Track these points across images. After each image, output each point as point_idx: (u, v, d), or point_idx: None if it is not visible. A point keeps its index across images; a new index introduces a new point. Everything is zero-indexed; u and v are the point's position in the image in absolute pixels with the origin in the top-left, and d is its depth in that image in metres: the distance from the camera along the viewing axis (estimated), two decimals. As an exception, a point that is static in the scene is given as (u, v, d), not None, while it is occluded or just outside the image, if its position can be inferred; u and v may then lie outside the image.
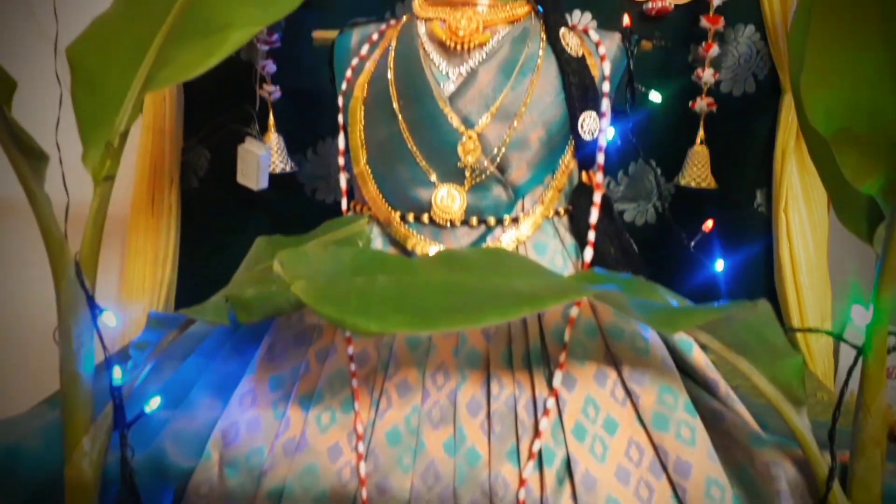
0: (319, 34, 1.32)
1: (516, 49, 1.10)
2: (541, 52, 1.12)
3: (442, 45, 1.11)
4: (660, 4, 1.47)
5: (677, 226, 1.29)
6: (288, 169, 1.57)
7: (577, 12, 1.52)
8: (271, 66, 1.52)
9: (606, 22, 1.51)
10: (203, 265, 1.63)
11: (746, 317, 0.77)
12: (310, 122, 1.59)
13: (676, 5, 1.49)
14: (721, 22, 1.46)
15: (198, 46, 0.91)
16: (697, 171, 1.52)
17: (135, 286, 1.55)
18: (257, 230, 1.65)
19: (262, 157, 1.48)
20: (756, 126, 1.56)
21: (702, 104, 1.50)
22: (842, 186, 0.88)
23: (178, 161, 1.58)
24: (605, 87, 1.15)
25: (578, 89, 1.10)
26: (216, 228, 1.65)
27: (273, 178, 1.54)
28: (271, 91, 1.53)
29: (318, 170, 1.64)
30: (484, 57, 1.09)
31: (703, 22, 1.46)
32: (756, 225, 1.61)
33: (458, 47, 1.09)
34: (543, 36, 1.14)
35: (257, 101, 1.52)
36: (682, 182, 1.53)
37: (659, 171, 1.60)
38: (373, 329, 0.53)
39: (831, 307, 1.56)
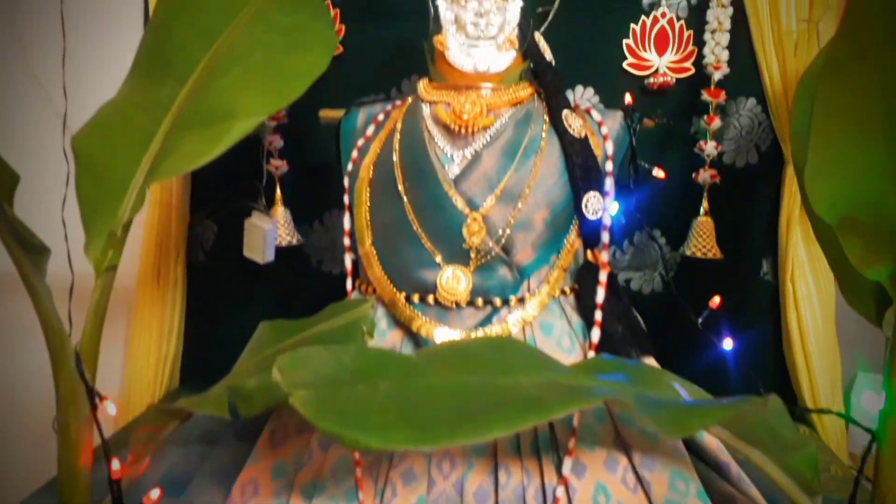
0: (326, 114, 1.34)
1: (520, 131, 1.11)
2: (544, 134, 1.13)
3: (446, 129, 1.12)
4: (661, 80, 1.49)
5: (684, 298, 1.29)
6: (294, 242, 1.57)
7: (579, 87, 1.54)
8: (278, 142, 1.54)
9: (608, 97, 1.54)
10: (208, 339, 1.62)
11: (758, 412, 0.76)
12: (316, 194, 1.60)
13: (678, 79, 1.51)
14: (722, 95, 1.48)
15: (203, 135, 0.93)
16: (703, 241, 1.51)
17: (139, 361, 1.54)
18: (263, 303, 1.67)
19: (269, 232, 1.48)
20: (760, 196, 1.56)
21: (705, 176, 1.50)
22: (848, 270, 0.87)
23: (184, 235, 1.59)
24: (609, 166, 1.16)
25: (582, 170, 1.11)
26: (222, 302, 1.65)
27: (279, 250, 1.54)
28: (278, 165, 1.55)
29: (325, 241, 1.65)
30: (488, 140, 1.11)
31: (705, 95, 1.48)
32: (763, 294, 1.59)
33: (463, 130, 1.11)
34: (546, 118, 1.15)
35: (264, 175, 1.53)
36: (688, 252, 1.52)
37: (664, 240, 1.59)
38: (373, 445, 0.52)
39: (841, 375, 1.54)
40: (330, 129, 1.34)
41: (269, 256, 1.51)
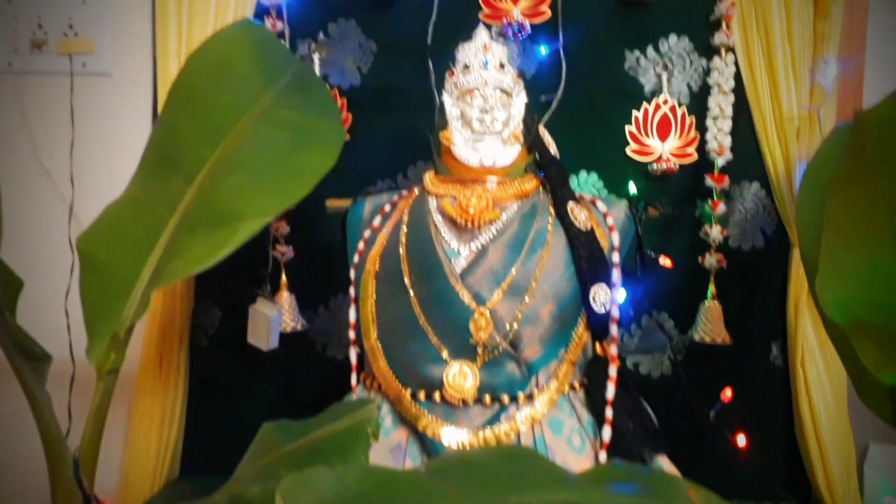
0: (333, 203, 1.35)
1: (526, 225, 1.11)
2: (550, 227, 1.13)
3: (453, 222, 1.12)
4: (665, 166, 1.50)
5: (693, 383, 1.27)
6: (299, 328, 1.56)
7: (583, 173, 1.55)
8: (284, 227, 1.55)
9: (612, 182, 1.54)
10: (210, 427, 1.59)
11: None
12: (322, 278, 1.59)
13: (681, 165, 1.52)
14: (726, 180, 1.49)
15: (209, 237, 0.93)
16: (711, 327, 1.50)
17: (140, 452, 1.51)
18: (267, 389, 1.65)
19: (273, 319, 1.47)
20: (767, 280, 1.55)
21: (711, 260, 1.50)
22: (862, 371, 0.86)
23: (188, 321, 1.58)
24: (615, 257, 1.16)
25: (588, 263, 1.10)
26: (225, 388, 1.62)
27: (284, 335, 1.53)
28: (284, 251, 1.55)
29: (330, 325, 1.63)
30: (494, 234, 1.11)
31: (709, 181, 1.49)
32: (773, 379, 1.57)
33: (469, 224, 1.11)
34: (552, 210, 1.15)
35: (270, 260, 1.53)
36: (697, 338, 1.51)
37: (671, 323, 1.58)
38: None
39: (856, 461, 1.50)
40: (336, 216, 1.34)
41: (273, 343, 1.50)
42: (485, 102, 1.14)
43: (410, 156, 1.57)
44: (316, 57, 1.54)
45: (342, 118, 1.41)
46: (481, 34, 1.20)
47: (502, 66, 1.17)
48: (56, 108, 1.55)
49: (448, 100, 1.18)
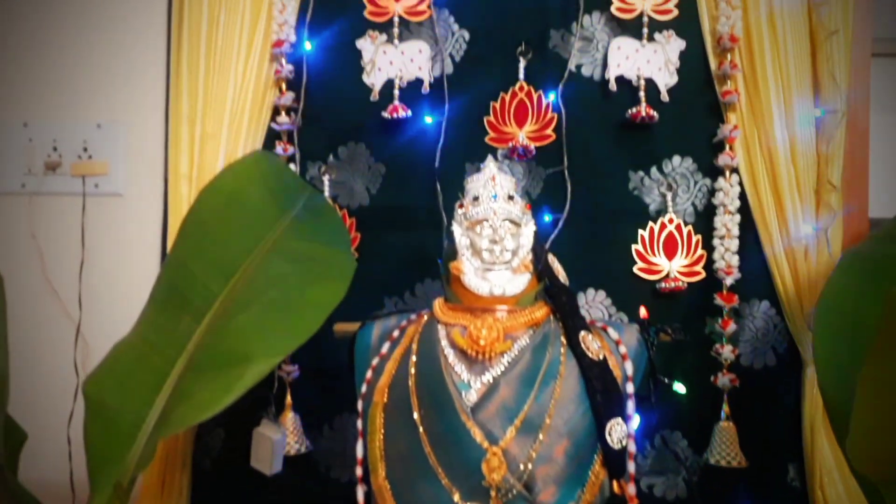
0: (340, 327, 1.33)
1: (537, 357, 1.10)
2: (562, 358, 1.11)
3: (463, 353, 1.11)
4: (673, 285, 1.50)
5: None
6: (303, 450, 1.52)
7: (591, 290, 1.54)
8: (290, 347, 1.53)
9: (620, 300, 1.54)
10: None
11: None
12: (327, 397, 1.57)
13: (689, 283, 1.52)
14: (735, 299, 1.48)
15: (216, 380, 0.91)
16: (726, 448, 1.46)
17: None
18: (270, 514, 1.60)
19: (277, 442, 1.43)
20: (781, 399, 1.53)
21: (724, 380, 1.48)
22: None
23: (191, 443, 1.54)
24: (629, 387, 1.13)
25: (603, 396, 1.08)
26: (227, 512, 1.57)
27: (287, 457, 1.49)
28: (290, 371, 1.53)
29: (334, 445, 1.59)
30: (506, 366, 1.09)
31: (718, 300, 1.48)
32: (792, 501, 1.52)
33: (480, 356, 1.09)
34: (563, 339, 1.14)
35: (275, 381, 1.51)
36: (712, 461, 1.47)
37: (685, 443, 1.54)
38: None
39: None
40: (344, 337, 1.33)
41: (277, 467, 1.46)
42: (494, 233, 1.14)
43: (418, 273, 1.58)
44: (326, 178, 1.57)
45: (352, 245, 1.42)
46: (490, 166, 1.22)
47: (511, 197, 1.18)
48: (67, 229, 1.57)
49: (458, 229, 1.19)
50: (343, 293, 1.08)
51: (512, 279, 1.15)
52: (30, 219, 1.58)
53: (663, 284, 1.51)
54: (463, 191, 1.24)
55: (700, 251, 1.53)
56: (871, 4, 1.51)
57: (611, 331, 1.20)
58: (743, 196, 1.50)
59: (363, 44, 1.57)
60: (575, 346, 1.12)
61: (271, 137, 1.55)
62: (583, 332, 1.14)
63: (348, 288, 1.19)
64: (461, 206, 1.21)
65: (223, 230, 1.08)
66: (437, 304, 1.21)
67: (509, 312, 1.14)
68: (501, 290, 1.14)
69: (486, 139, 1.56)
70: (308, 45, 1.56)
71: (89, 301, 1.53)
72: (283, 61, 1.54)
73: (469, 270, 1.16)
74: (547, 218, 1.52)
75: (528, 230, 1.19)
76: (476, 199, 1.18)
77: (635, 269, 1.53)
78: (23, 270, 1.57)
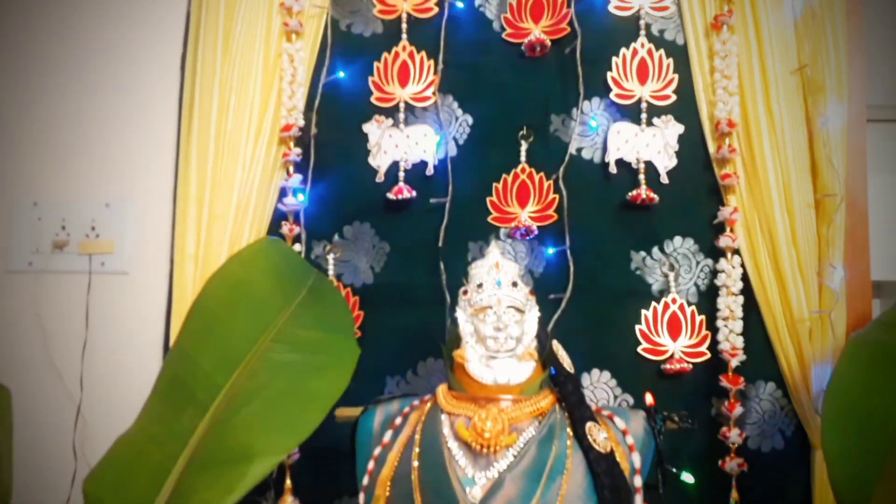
0: (342, 412, 1.32)
1: (544, 451, 1.08)
2: (568, 452, 1.10)
3: (467, 446, 1.09)
4: (678, 366, 1.49)
5: None
6: (301, 537, 1.49)
7: (595, 371, 1.53)
8: (292, 428, 1.51)
9: (625, 380, 1.53)
10: None
11: None
12: (328, 481, 1.54)
13: (694, 364, 1.51)
14: (741, 381, 1.47)
15: (219, 479, 0.90)
16: (737, 536, 1.43)
17: None
18: None
19: (277, 529, 1.41)
20: (790, 484, 1.50)
21: (732, 464, 1.46)
22: None
23: (188, 528, 1.51)
24: (637, 481, 1.11)
25: (611, 491, 1.06)
26: None
27: (285, 545, 1.46)
28: (290, 454, 1.50)
29: (336, 530, 1.56)
30: (511, 461, 1.07)
31: (724, 381, 1.47)
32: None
33: (485, 450, 1.08)
34: (570, 431, 1.12)
35: (275, 464, 1.49)
36: (724, 549, 1.43)
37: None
38: None
39: None
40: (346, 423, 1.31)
41: (275, 556, 1.42)
42: (498, 320, 1.14)
43: (420, 353, 1.57)
44: (331, 257, 1.58)
45: (355, 325, 1.42)
46: (494, 252, 1.23)
47: (515, 284, 1.19)
48: (72, 308, 1.57)
49: (462, 316, 1.19)
50: (346, 384, 1.08)
51: (517, 367, 1.15)
52: (35, 297, 1.58)
53: (668, 365, 1.51)
54: (467, 276, 1.24)
55: (704, 331, 1.52)
56: (864, 84, 1.54)
57: (617, 420, 1.19)
58: (745, 277, 1.51)
59: (370, 128, 1.61)
60: (581, 439, 1.11)
61: (278, 218, 1.57)
62: (589, 424, 1.13)
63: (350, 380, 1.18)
64: (465, 292, 1.21)
65: (228, 320, 1.09)
66: (441, 391, 1.20)
67: (514, 402, 1.13)
68: (506, 378, 1.13)
69: (489, 219, 1.58)
70: (315, 129, 1.59)
71: (91, 381, 1.52)
72: (292, 144, 1.57)
73: (473, 358, 1.15)
74: (550, 296, 1.53)
75: (533, 317, 1.19)
76: (480, 285, 1.18)
77: (639, 350, 1.53)
78: (26, 349, 1.57)
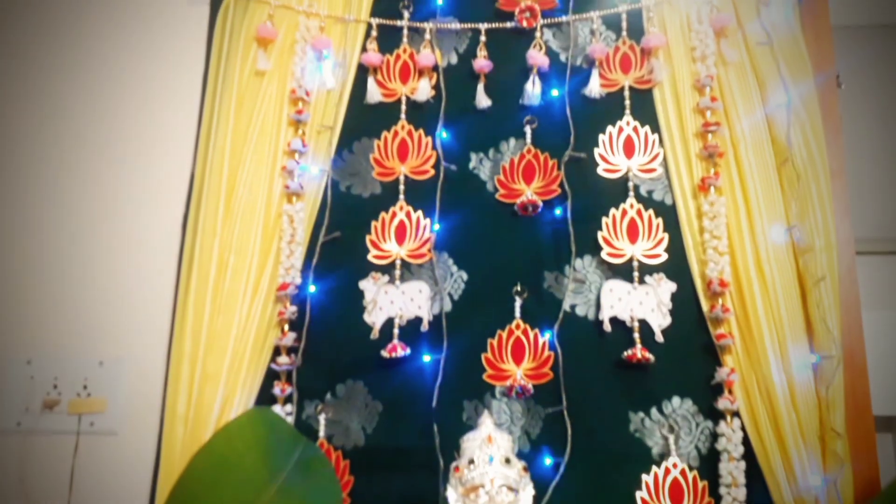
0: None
1: None
2: None
3: None
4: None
5: None
6: None
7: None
8: None
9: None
10: None
11: None
12: None
13: (698, 533, 1.45)
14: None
15: None
16: None
17: None
18: None
19: None
20: None
21: None
22: None
23: None
24: None
25: None
26: None
27: None
28: None
29: None
30: None
31: (730, 553, 1.41)
32: None
33: None
34: None
35: None
36: None
37: None
38: None
39: None
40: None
41: None
42: (490, 501, 1.11)
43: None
44: (322, 418, 1.55)
45: (343, 493, 1.38)
46: (486, 423, 1.21)
47: (508, 460, 1.16)
48: (57, 470, 1.53)
49: (452, 494, 1.16)
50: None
51: (509, 549, 1.10)
52: (21, 460, 1.55)
53: (672, 532, 1.44)
54: (458, 448, 1.22)
55: (707, 498, 1.47)
56: (852, 242, 1.56)
57: None
58: (746, 441, 1.47)
59: (366, 284, 1.63)
60: None
61: (270, 377, 1.56)
62: None
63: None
64: (457, 468, 1.18)
65: (212, 499, 1.06)
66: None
67: None
68: (498, 564, 1.09)
69: (485, 376, 1.57)
70: (312, 288, 1.61)
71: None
72: (288, 303, 1.58)
73: (467, 539, 1.11)
74: (548, 461, 1.49)
75: (527, 495, 1.15)
76: (472, 462, 1.16)
77: (648, 527, 1.47)
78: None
